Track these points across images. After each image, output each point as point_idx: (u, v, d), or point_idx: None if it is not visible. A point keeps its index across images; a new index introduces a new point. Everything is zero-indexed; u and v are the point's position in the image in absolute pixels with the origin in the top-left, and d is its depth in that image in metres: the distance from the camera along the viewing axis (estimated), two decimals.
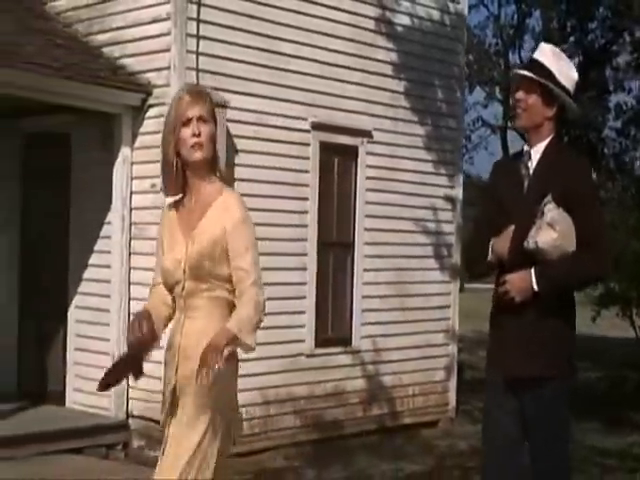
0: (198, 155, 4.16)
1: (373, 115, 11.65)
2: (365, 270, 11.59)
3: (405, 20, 12.03)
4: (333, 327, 11.38)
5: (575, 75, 4.78)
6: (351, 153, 11.41)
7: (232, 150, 9.95)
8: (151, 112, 9.92)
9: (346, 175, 11.40)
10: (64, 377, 11.00)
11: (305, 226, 10.89)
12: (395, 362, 12.02)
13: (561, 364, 4.70)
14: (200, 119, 4.13)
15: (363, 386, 11.73)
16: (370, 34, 11.61)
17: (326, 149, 11.07)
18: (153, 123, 9.81)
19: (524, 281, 4.56)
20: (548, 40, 18.47)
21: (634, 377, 16.20)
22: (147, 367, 9.77)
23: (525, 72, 4.72)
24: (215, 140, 4.21)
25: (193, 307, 4.15)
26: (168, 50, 9.69)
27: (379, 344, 11.81)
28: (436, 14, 12.43)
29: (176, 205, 4.30)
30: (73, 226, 10.91)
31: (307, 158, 10.88)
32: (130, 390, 10.11)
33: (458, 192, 12.80)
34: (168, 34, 9.71)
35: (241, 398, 10.01)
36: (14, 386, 11.50)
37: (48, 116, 10.75)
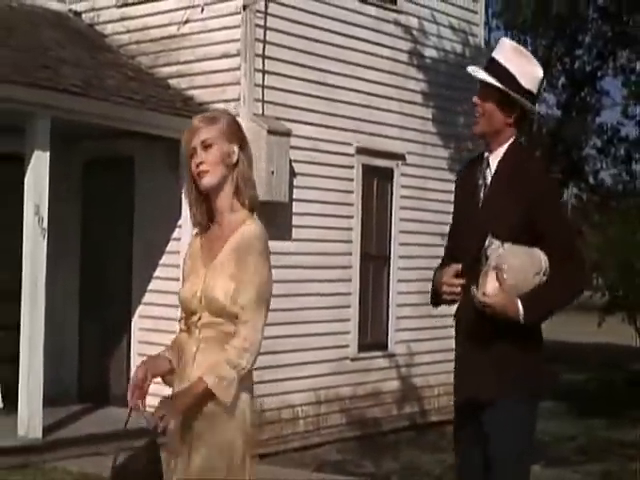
0: (204, 182, 3.94)
1: (406, 140, 12.79)
2: (399, 281, 12.71)
3: (433, 53, 13.20)
4: (372, 333, 12.47)
5: (539, 73, 4.39)
6: (388, 175, 12.56)
7: (291, 174, 11.00)
8: None
9: (383, 195, 12.53)
10: (127, 381, 11.92)
11: (350, 241, 11.99)
12: (424, 365, 13.13)
13: (518, 385, 4.28)
14: (203, 144, 3.92)
15: (397, 387, 12.84)
16: (403, 66, 12.76)
17: (367, 171, 12.20)
18: None
19: (508, 310, 4.11)
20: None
21: (618, 378, 17.54)
22: None
23: (482, 76, 4.33)
24: (228, 162, 3.95)
25: (207, 339, 3.93)
26: (238, 83, 10.73)
27: (411, 348, 12.93)
28: (459, 47, 13.63)
29: (202, 234, 4.09)
30: (136, 241, 11.88)
31: (352, 180, 12.00)
32: None
33: None
34: (238, 69, 10.76)
35: (298, 398, 11.23)
36: (74, 389, 12.40)
37: (111, 140, 11.67)
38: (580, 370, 20.25)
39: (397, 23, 12.67)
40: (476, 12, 14.00)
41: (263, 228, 3.97)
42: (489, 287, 4.07)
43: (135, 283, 11.90)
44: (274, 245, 10.92)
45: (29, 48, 10.74)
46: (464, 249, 4.34)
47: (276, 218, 10.82)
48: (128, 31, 11.95)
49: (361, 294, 12.17)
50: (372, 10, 12.30)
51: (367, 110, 12.11)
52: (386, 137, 12.43)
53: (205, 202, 4.04)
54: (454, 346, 4.49)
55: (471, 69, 4.40)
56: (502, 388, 4.25)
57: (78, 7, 12.61)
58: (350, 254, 12.01)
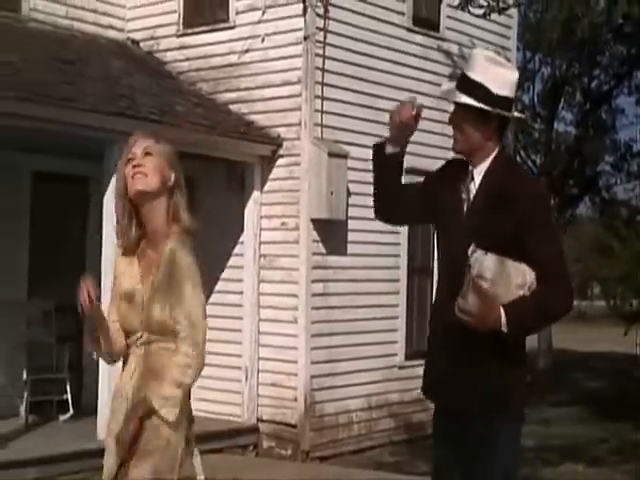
0: (137, 185, 3.95)
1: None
2: None
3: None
4: (418, 342, 13.20)
5: (513, 76, 4.22)
6: None
7: (347, 193, 11.74)
8: (280, 161, 11.70)
9: None
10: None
11: (398, 255, 12.73)
12: None
13: (502, 402, 4.17)
14: (145, 151, 3.97)
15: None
16: None
17: None
18: (282, 171, 11.61)
19: (491, 319, 4.00)
20: (554, 85, 20.79)
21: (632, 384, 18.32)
22: (274, 377, 11.55)
23: (456, 97, 4.22)
24: (165, 180, 4.00)
25: (147, 356, 3.96)
26: (299, 109, 11.49)
27: None
28: None
29: (131, 254, 4.08)
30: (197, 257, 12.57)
31: None
32: (259, 398, 11.83)
33: None
34: (299, 95, 11.52)
35: (353, 404, 11.90)
36: None
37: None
38: (595, 377, 21.06)
39: (440, 49, 13.47)
40: (509, 38, 14.78)
41: (193, 251, 3.99)
42: (470, 297, 4.00)
43: None
44: (333, 260, 11.95)
45: (103, 77, 11.47)
46: (447, 263, 4.29)
47: (334, 235, 11.60)
48: (188, 59, 12.71)
49: (408, 306, 12.92)
50: (418, 38, 13.11)
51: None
52: (430, 157, 13.14)
53: (136, 219, 4.02)
54: (428, 353, 4.40)
55: (443, 89, 4.38)
56: (487, 403, 4.13)
57: (136, 36, 13.36)
58: (398, 268, 12.77)
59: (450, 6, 13.36)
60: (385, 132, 12.39)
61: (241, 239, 12.07)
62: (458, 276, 4.04)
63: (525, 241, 4.05)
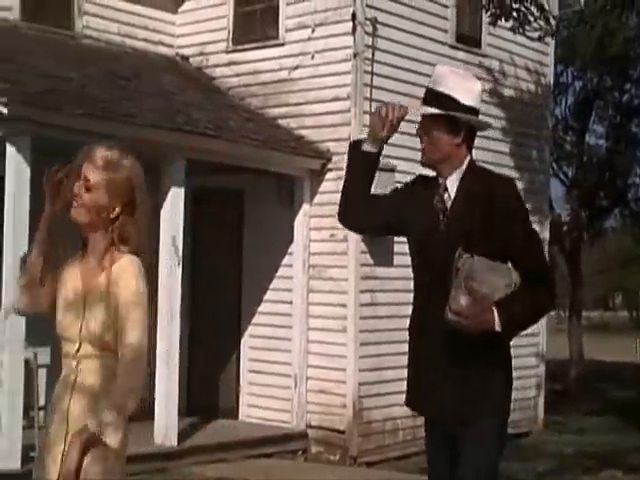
0: (72, 212, 3.92)
1: None
2: None
3: (510, 92, 14.31)
4: None
5: (477, 87, 4.34)
6: None
7: None
8: (329, 175, 12.06)
9: None
10: (237, 395, 13.02)
11: None
12: None
13: (490, 405, 4.25)
14: (86, 182, 3.89)
15: None
16: (485, 105, 13.79)
17: None
18: (331, 184, 11.95)
19: (484, 319, 4.04)
20: (586, 98, 21.11)
21: None
22: (323, 384, 11.87)
23: (424, 110, 4.32)
24: (103, 214, 3.90)
25: (86, 371, 3.88)
26: (348, 124, 11.85)
27: None
28: (532, 86, 14.74)
29: (74, 261, 4.02)
30: (246, 267, 12.98)
31: None
32: (308, 405, 12.17)
33: (545, 234, 15.00)
34: (348, 111, 11.88)
35: (398, 411, 12.19)
36: (183, 403, 13.41)
37: (221, 174, 12.72)
38: (625, 387, 21.30)
39: (481, 65, 13.80)
40: (547, 54, 15.11)
41: (142, 267, 3.91)
42: (462, 300, 4.00)
43: (245, 305, 12.99)
44: (380, 271, 12.26)
45: (158, 93, 11.87)
46: (425, 277, 4.29)
47: (381, 247, 11.94)
48: (237, 75, 13.10)
49: None
50: (460, 54, 13.45)
51: None
52: None
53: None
54: (411, 360, 4.44)
55: (411, 106, 4.38)
56: (475, 408, 4.19)
57: (185, 51, 13.76)
58: None
59: (491, 23, 13.70)
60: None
61: (290, 250, 12.43)
62: (441, 286, 4.06)
63: (507, 240, 4.13)
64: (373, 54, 12.01)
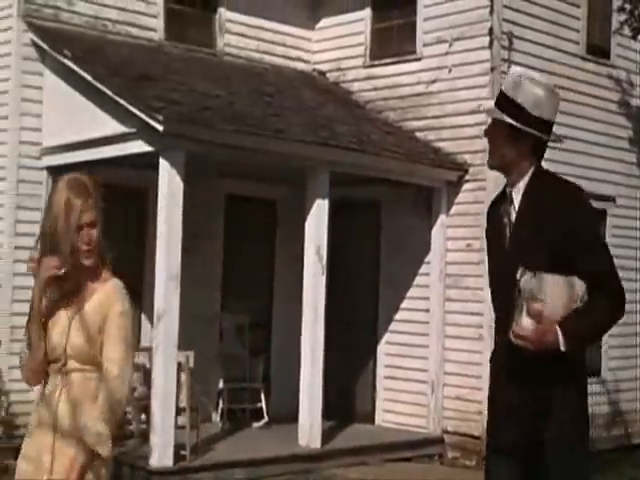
0: (87, 262, 4.03)
1: (615, 183, 14.06)
2: None
3: (638, 102, 14.44)
4: (589, 360, 13.63)
5: (549, 96, 4.16)
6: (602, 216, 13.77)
7: None
8: (466, 186, 12.38)
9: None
10: (373, 400, 13.38)
11: None
12: (629, 391, 14.28)
13: (568, 429, 4.07)
14: (91, 223, 4.00)
15: (607, 411, 13.98)
16: (613, 115, 14.03)
17: None
18: (467, 195, 12.28)
19: (547, 341, 3.93)
20: None
21: None
22: (459, 391, 12.11)
23: (491, 113, 4.28)
24: (101, 239, 4.06)
25: (70, 385, 4.00)
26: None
27: (617, 375, 14.10)
28: None
29: (59, 282, 4.07)
30: (383, 276, 13.36)
31: None
32: (444, 411, 12.48)
33: None
34: (485, 124, 12.09)
35: None
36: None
37: (358, 186, 13.11)
38: None
39: (609, 76, 13.98)
40: None
41: (125, 289, 4.08)
42: (524, 321, 3.93)
43: (381, 313, 13.39)
44: (476, 282, 12.36)
45: (300, 108, 12.32)
46: (499, 291, 4.20)
47: None
48: (375, 89, 13.52)
49: None
50: (590, 66, 13.65)
51: (582, 156, 13.38)
52: (598, 181, 13.64)
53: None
54: (490, 389, 4.44)
55: (486, 107, 4.39)
56: (553, 433, 4.03)
57: (322, 67, 14.22)
58: None
59: (621, 35, 13.86)
60: (562, 157, 12.93)
61: (427, 259, 12.77)
62: (510, 304, 3.96)
63: (574, 252, 3.97)
64: (509, 67, 12.27)
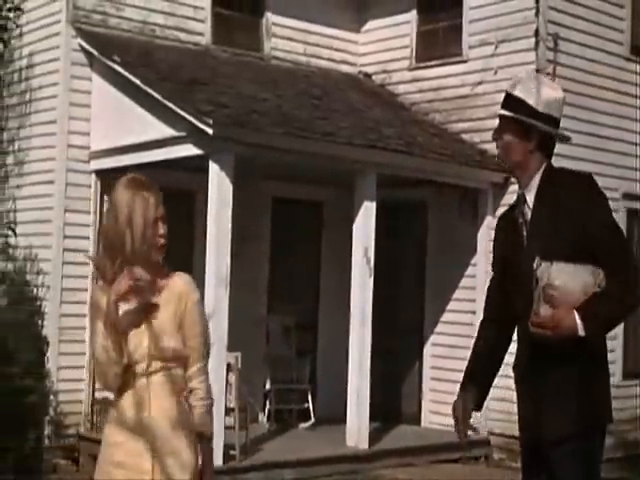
0: (159, 258, 4.15)
1: None
2: None
3: None
4: (631, 363, 13.61)
5: (556, 95, 4.23)
6: None
7: None
8: (512, 188, 12.37)
9: None
10: (419, 402, 13.44)
11: None
12: None
13: (579, 419, 4.10)
14: (164, 217, 4.12)
15: None
16: None
17: (631, 215, 13.40)
18: (513, 197, 12.00)
19: (566, 326, 3.94)
20: None
21: None
22: (504, 393, 12.11)
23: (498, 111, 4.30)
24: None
25: (157, 385, 4.04)
26: None
27: None
28: None
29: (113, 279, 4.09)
30: (428, 277, 13.42)
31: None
32: (490, 412, 12.49)
33: None
34: None
35: None
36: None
37: (404, 187, 13.18)
38: None
39: None
40: None
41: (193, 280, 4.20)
42: (542, 310, 3.96)
43: (427, 315, 13.44)
44: None
45: (348, 111, 12.41)
46: (518, 289, 4.18)
47: None
48: (420, 91, 13.59)
49: (625, 326, 13.32)
50: (634, 66, 13.64)
51: (630, 158, 13.36)
52: None
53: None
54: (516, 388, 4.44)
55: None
56: (564, 423, 4.08)
57: (368, 69, 14.31)
58: None
59: None
60: (605, 158, 12.87)
61: (473, 261, 12.81)
62: (530, 302, 4.00)
63: (591, 241, 4.01)
64: (554, 69, 12.31)
